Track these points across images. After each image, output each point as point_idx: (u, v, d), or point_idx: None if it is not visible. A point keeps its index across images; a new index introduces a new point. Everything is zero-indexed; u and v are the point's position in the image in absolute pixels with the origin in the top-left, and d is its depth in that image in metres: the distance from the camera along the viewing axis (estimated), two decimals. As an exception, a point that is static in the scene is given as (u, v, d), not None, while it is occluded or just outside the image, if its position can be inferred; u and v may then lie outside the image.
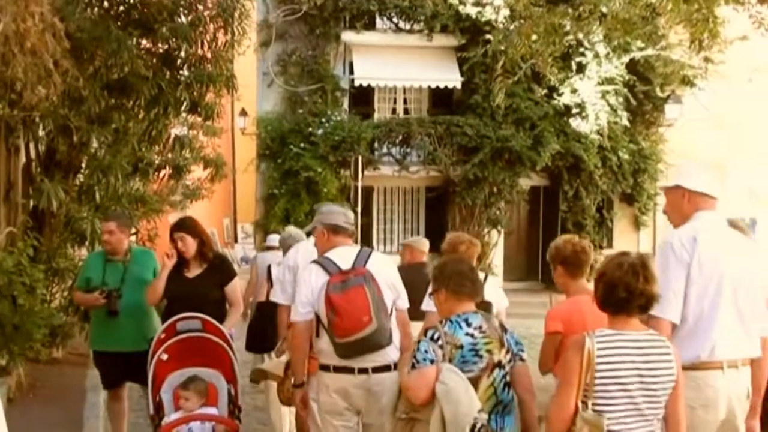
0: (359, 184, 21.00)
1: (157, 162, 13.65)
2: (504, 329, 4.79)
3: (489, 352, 4.63)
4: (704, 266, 4.62)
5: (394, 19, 23.52)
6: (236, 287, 7.41)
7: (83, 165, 10.69)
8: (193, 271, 7.18)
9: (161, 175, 14.37)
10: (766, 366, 4.78)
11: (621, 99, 23.00)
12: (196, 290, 7.02)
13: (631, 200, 24.64)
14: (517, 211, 24.43)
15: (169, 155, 13.80)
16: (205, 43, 10.69)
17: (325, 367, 5.57)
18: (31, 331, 8.04)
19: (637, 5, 10.19)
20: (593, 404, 3.91)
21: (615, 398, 3.92)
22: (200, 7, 10.56)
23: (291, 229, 9.59)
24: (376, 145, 23.09)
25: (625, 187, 24.00)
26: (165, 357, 6.43)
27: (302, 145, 21.97)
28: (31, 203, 9.76)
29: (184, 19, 10.47)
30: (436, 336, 4.63)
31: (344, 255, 5.71)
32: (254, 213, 23.18)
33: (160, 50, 10.54)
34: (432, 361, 4.56)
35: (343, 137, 21.86)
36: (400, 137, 23.03)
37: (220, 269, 7.34)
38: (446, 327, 4.67)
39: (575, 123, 23.04)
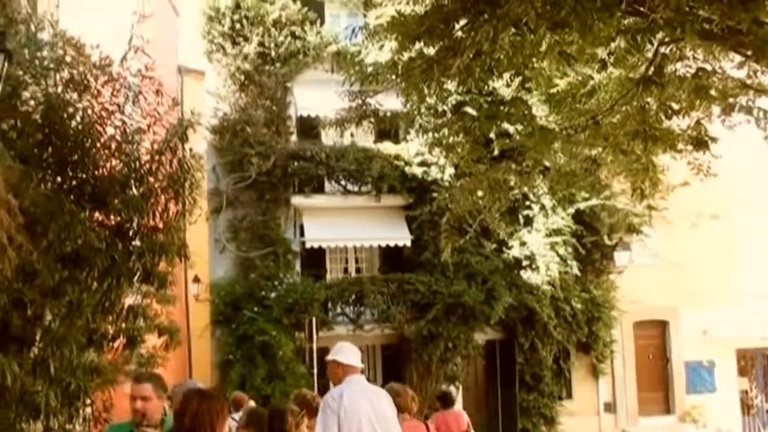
0: (314, 346, 20.88)
1: (111, 332, 13.50)
2: None
3: None
4: (348, 411, 7.29)
5: (342, 182, 23.89)
6: None
7: (37, 337, 10.58)
8: None
9: (115, 345, 14.20)
10: None
11: (570, 249, 23.39)
12: None
13: (587, 349, 24.72)
14: (474, 365, 24.38)
15: (123, 325, 13.67)
16: (157, 213, 10.77)
17: None
18: None
19: (578, 158, 10.41)
20: None
21: None
22: (151, 180, 10.69)
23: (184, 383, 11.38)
24: (329, 305, 23.14)
25: (580, 336, 24.12)
26: None
27: (255, 309, 21.94)
28: (-16, 380, 9.59)
29: (135, 191, 10.58)
30: None
31: None
32: (210, 379, 22.87)
33: (113, 222, 10.61)
34: None
35: (296, 299, 21.91)
36: (353, 296, 23.17)
37: None
38: None
39: (526, 275, 23.31)
